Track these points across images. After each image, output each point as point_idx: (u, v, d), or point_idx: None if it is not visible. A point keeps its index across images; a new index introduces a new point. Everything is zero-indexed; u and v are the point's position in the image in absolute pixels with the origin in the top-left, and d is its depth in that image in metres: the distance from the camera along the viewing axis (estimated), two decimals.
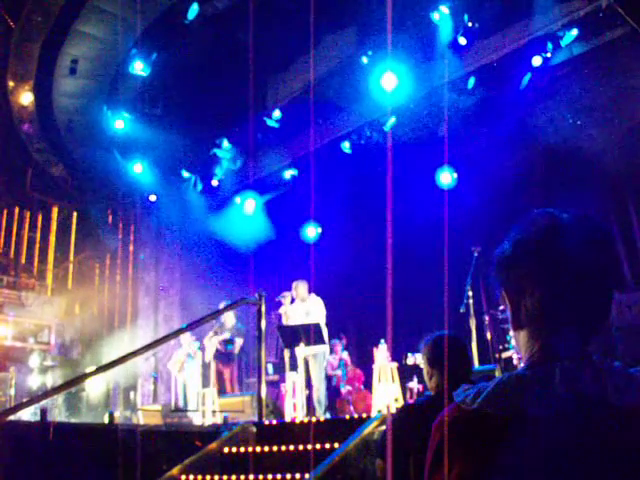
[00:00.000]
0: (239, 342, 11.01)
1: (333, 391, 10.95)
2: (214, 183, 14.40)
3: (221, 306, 9.93)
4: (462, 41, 10.45)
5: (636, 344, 7.71)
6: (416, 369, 9.65)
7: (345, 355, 11.52)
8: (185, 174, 14.43)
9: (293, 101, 12.71)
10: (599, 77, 9.69)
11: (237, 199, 14.19)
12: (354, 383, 11.17)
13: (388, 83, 10.72)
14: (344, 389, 11.04)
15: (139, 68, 12.03)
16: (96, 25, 11.65)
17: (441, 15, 10.43)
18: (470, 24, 10.32)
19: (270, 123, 12.94)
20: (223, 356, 10.95)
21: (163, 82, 12.77)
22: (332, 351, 10.89)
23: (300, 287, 9.51)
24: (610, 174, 10.00)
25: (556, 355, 1.18)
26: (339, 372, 11.20)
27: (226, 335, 10.96)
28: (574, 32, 9.77)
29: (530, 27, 10.11)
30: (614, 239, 1.27)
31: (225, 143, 13.69)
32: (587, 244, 1.19)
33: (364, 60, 11.20)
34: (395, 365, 9.82)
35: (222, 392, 10.81)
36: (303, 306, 9.44)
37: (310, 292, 9.55)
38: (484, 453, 1.11)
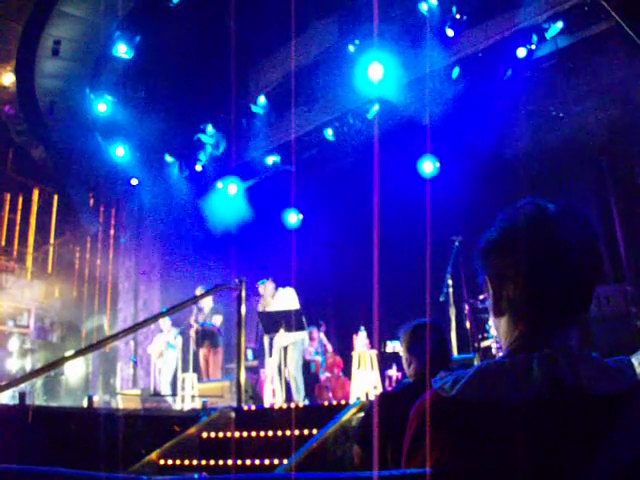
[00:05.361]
0: (219, 319, 10.93)
1: (312, 378, 10.97)
2: (198, 168, 14.31)
3: (197, 292, 9.84)
4: (450, 33, 10.45)
5: (613, 335, 7.80)
6: (395, 357, 9.71)
7: (325, 342, 11.52)
8: (168, 158, 14.34)
9: (278, 88, 12.66)
10: (583, 70, 9.74)
11: (219, 184, 14.13)
12: (333, 370, 11.21)
13: (375, 73, 10.69)
14: (323, 376, 11.06)
15: (122, 51, 11.91)
16: (80, 6, 11.46)
17: (429, 6, 10.42)
18: (458, 16, 10.32)
19: (255, 109, 12.89)
20: (209, 341, 10.85)
21: (147, 66, 12.64)
22: (309, 338, 10.88)
23: (267, 289, 9.50)
24: (592, 167, 10.06)
25: (535, 343, 1.19)
26: (318, 359, 11.22)
27: (206, 318, 10.90)
28: (559, 24, 9.80)
29: (516, 18, 10.13)
30: (598, 232, 1.28)
31: (209, 128, 13.61)
32: (573, 236, 1.20)
33: (351, 49, 11.17)
34: (375, 352, 9.86)
35: (207, 378, 10.74)
36: (275, 303, 9.42)
37: (277, 288, 9.54)
38: (462, 439, 1.12)
